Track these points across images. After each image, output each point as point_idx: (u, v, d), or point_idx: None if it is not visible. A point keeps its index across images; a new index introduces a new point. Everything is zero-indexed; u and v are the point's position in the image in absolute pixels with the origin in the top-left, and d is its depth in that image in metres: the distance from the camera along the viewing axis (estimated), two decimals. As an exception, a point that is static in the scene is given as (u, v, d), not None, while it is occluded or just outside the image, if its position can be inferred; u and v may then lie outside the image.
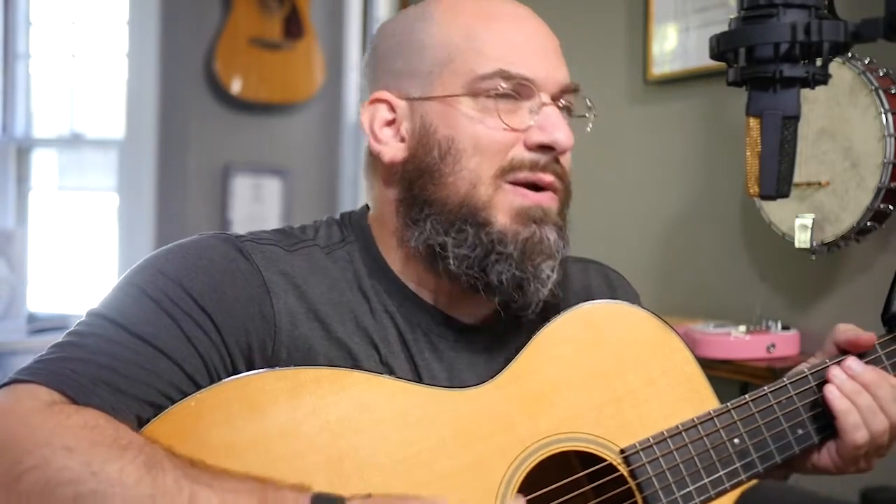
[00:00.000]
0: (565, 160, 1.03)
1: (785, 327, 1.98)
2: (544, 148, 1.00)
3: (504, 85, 0.99)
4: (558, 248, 1.00)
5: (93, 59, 3.63)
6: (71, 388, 0.85)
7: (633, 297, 1.20)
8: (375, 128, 1.04)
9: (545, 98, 1.01)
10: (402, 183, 1.02)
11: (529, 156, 1.00)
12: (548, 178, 1.00)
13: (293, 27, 3.35)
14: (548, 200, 1.01)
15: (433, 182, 1.00)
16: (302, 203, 3.44)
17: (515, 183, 0.99)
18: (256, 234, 1.03)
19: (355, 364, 0.98)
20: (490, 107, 0.99)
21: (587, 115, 1.08)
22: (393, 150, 1.03)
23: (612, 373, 1.01)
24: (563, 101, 1.03)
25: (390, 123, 1.04)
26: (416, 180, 1.01)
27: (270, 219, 3.42)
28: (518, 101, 1.00)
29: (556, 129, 0.99)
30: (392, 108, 1.03)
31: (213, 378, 0.92)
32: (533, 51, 1.01)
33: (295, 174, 3.42)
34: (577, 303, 1.06)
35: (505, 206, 0.99)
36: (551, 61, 1.02)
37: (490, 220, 0.98)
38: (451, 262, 0.99)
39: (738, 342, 1.90)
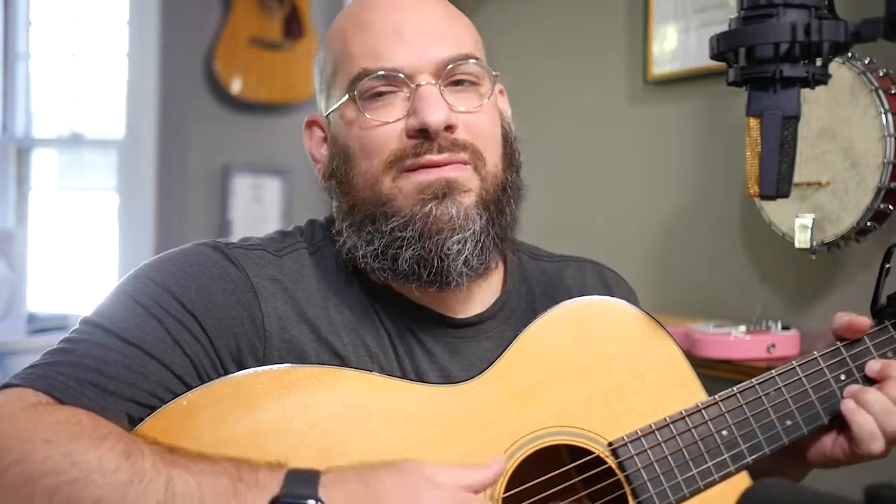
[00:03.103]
0: (470, 126, 1.01)
1: (785, 327, 1.98)
2: (421, 131, 0.99)
3: (371, 82, 0.99)
4: (465, 220, 0.99)
5: (93, 59, 3.63)
6: (57, 390, 0.87)
7: (629, 296, 1.20)
8: (313, 149, 1.09)
9: (422, 80, 0.99)
10: (332, 195, 1.06)
11: (411, 143, 0.99)
12: (436, 157, 0.99)
13: (293, 27, 3.35)
14: (451, 171, 0.99)
15: (344, 191, 1.03)
16: (302, 203, 3.43)
17: (410, 170, 0.99)
18: (246, 241, 1.06)
19: (344, 364, 0.99)
20: (366, 106, 1.00)
21: (492, 79, 1.05)
22: (322, 167, 1.08)
23: (599, 367, 1.02)
24: (444, 79, 1.00)
25: (326, 140, 1.08)
26: (337, 191, 1.04)
27: (270, 219, 3.42)
28: (392, 93, 1.00)
29: (426, 110, 0.98)
30: (322, 127, 1.08)
31: (203, 379, 0.94)
32: (398, 39, 1.00)
33: (295, 174, 3.42)
34: None
35: (407, 191, 0.99)
36: (422, 43, 1.00)
37: (391, 213, 0.99)
38: (363, 261, 1.01)
39: (738, 342, 1.90)
